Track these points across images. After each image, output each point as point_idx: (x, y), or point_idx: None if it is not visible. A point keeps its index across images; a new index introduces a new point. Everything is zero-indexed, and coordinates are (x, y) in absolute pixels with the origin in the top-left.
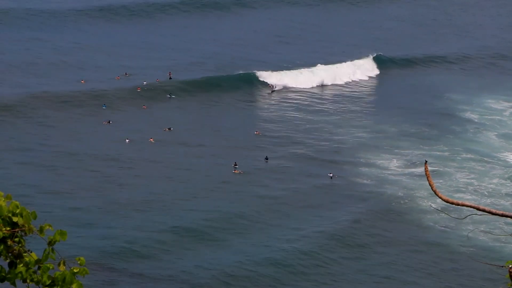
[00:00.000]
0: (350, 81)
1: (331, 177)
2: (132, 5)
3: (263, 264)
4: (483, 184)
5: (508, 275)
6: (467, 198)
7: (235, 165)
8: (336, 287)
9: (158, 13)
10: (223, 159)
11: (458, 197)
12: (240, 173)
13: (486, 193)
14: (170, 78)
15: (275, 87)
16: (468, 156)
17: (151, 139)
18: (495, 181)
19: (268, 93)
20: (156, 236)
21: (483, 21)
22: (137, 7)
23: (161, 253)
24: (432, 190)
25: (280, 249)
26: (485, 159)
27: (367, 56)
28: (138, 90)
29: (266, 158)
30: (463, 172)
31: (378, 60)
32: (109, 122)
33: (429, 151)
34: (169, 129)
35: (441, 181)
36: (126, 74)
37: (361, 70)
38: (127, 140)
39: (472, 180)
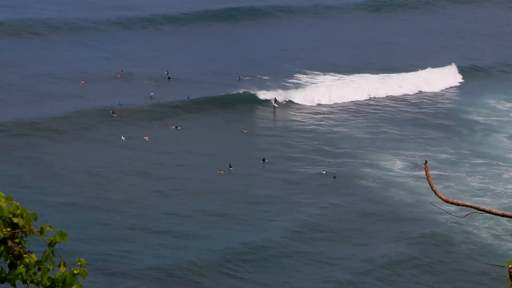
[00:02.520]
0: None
1: (331, 175)
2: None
3: None
4: (499, 188)
5: (508, 275)
6: (484, 201)
7: (230, 166)
8: None
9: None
10: (219, 160)
11: (475, 200)
12: (224, 173)
13: (505, 195)
14: (169, 78)
15: (275, 102)
16: (480, 160)
17: (146, 137)
18: (510, 185)
19: (273, 105)
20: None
21: None
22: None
23: None
24: (432, 190)
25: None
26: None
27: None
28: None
29: (263, 160)
30: (476, 175)
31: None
32: (112, 112)
33: (450, 154)
34: (176, 127)
35: (452, 184)
36: (122, 71)
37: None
38: (122, 138)
39: (487, 185)
